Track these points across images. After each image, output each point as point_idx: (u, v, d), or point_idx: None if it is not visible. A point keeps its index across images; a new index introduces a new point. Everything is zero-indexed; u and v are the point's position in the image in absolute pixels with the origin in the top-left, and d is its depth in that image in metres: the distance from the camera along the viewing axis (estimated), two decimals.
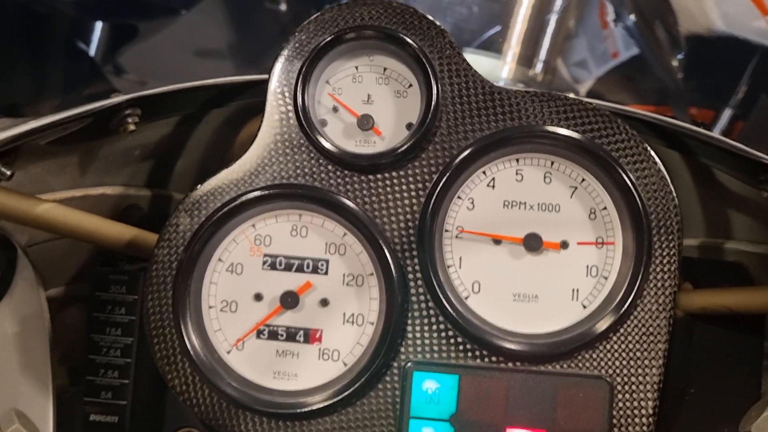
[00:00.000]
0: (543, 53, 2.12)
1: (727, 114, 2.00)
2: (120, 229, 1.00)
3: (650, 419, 0.88)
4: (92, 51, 2.11)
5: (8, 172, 0.92)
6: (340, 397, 0.87)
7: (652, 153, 0.91)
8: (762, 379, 1.06)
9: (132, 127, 0.99)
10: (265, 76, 0.93)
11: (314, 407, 0.87)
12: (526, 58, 2.11)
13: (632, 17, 2.23)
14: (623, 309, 0.88)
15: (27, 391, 1.06)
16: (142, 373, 1.04)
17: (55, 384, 1.08)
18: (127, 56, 2.20)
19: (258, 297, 0.91)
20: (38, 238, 1.09)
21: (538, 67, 2.11)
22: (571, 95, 0.92)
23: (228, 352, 0.90)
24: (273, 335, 0.91)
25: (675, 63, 2.14)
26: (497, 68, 2.07)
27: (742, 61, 1.96)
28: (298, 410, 0.87)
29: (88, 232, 0.97)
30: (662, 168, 0.91)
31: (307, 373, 0.90)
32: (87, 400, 1.04)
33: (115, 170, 1.14)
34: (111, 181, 1.14)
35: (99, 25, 2.15)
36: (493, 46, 2.15)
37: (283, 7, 2.25)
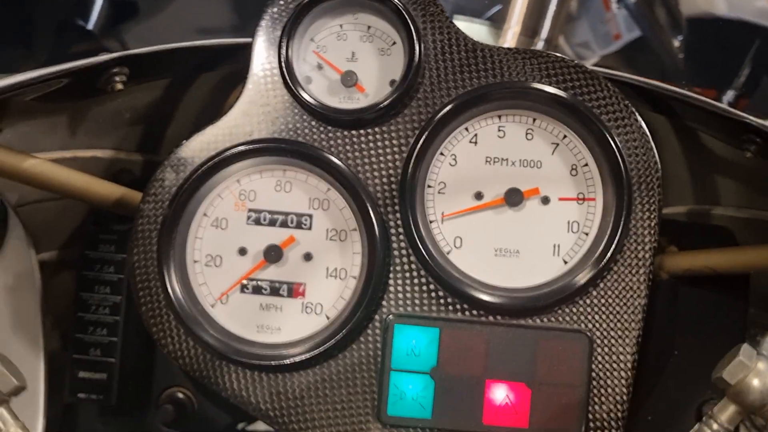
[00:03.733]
0: (545, 32, 2.11)
1: (729, 95, 2.00)
2: (109, 187, 1.01)
3: (629, 373, 0.89)
4: (90, 26, 2.12)
5: None
6: (321, 349, 0.88)
7: (634, 110, 0.91)
8: (745, 339, 1.07)
9: (120, 86, 0.99)
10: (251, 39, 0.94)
11: (296, 359, 0.88)
12: (528, 37, 2.11)
13: None
14: (602, 263, 0.89)
15: (18, 349, 1.08)
16: (130, 332, 1.06)
17: (47, 347, 1.10)
18: (127, 33, 2.21)
19: (242, 251, 0.92)
20: (29, 197, 1.10)
21: (540, 45, 2.10)
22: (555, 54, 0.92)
23: (212, 306, 0.92)
24: (257, 289, 0.92)
25: (676, 44, 2.14)
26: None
27: (745, 42, 1.96)
28: (280, 362, 0.88)
29: (76, 188, 0.98)
30: (644, 125, 0.91)
31: (290, 326, 0.91)
32: (75, 357, 1.05)
33: (106, 133, 1.15)
34: (102, 144, 1.16)
35: (98, 2, 2.16)
36: (494, 25, 2.14)
37: None
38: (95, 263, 1.06)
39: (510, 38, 2.15)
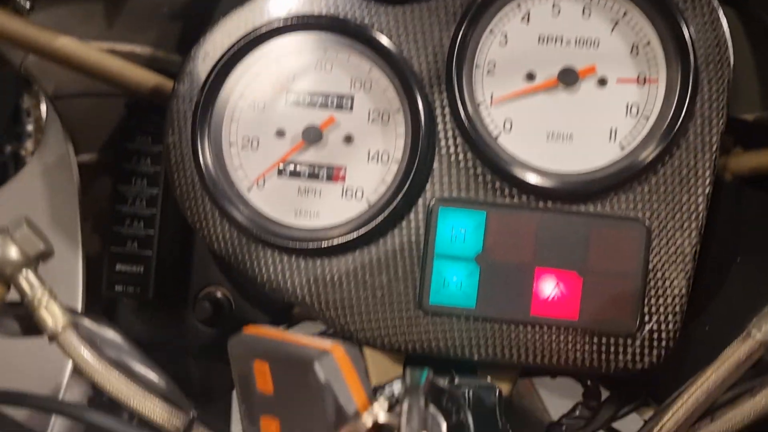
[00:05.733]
0: None
1: None
2: (145, 74, 0.98)
3: (689, 265, 0.84)
4: None
5: (27, 4, 0.90)
6: (361, 231, 0.84)
7: None
8: None
9: None
10: None
11: (334, 242, 0.84)
12: None
13: None
14: (664, 148, 0.83)
15: (56, 245, 1.06)
16: (167, 225, 1.03)
17: (85, 248, 1.08)
18: None
19: (280, 133, 0.88)
20: (65, 89, 1.07)
21: None
22: None
23: (248, 190, 0.88)
24: (295, 173, 0.88)
25: None
26: None
27: None
28: (318, 245, 0.84)
29: (110, 71, 0.95)
30: None
31: (330, 211, 0.87)
32: (113, 250, 1.03)
33: (144, 27, 1.11)
34: (140, 38, 1.12)
35: None
36: None
37: None
38: (132, 155, 1.03)
39: None
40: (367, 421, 0.53)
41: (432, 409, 0.61)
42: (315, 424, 0.57)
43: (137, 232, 1.02)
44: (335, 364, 0.56)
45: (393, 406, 0.56)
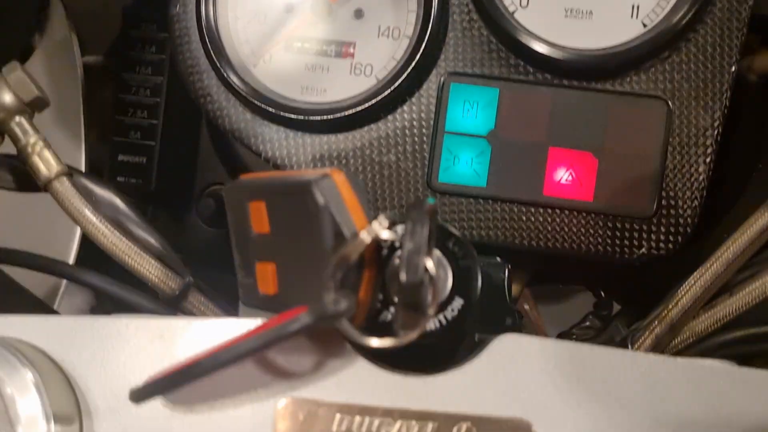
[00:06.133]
0: None
1: None
2: None
3: (711, 148, 0.80)
4: None
5: None
6: (367, 105, 0.80)
7: None
8: None
9: None
10: None
11: (340, 115, 0.81)
12: None
13: None
14: (688, 23, 0.79)
15: (59, 136, 1.04)
16: (171, 116, 1.00)
17: (88, 143, 1.05)
18: None
19: (288, 7, 0.85)
20: None
21: None
22: None
23: (255, 65, 0.85)
24: (302, 49, 0.85)
25: None
26: None
27: None
28: (325, 118, 0.81)
29: None
30: None
31: (338, 88, 0.84)
32: (115, 140, 1.01)
33: None
34: None
35: None
36: None
37: None
38: (136, 42, 1.00)
39: None
40: (366, 238, 0.50)
41: (437, 252, 0.58)
42: (312, 257, 0.54)
43: (140, 122, 1.00)
44: (335, 187, 0.53)
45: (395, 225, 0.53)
